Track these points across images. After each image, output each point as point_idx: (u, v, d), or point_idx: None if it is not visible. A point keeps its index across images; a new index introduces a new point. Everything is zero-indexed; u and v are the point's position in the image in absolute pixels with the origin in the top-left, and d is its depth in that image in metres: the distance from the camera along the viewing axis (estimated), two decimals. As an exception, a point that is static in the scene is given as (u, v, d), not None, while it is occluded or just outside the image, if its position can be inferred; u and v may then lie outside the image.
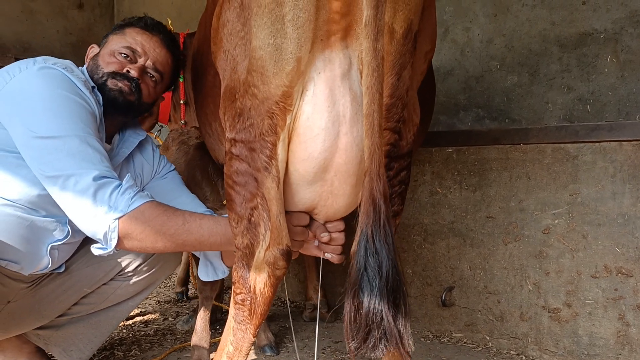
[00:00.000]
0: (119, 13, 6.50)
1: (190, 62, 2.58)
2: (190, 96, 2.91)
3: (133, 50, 1.97)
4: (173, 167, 2.24)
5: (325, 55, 1.34)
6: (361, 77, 1.36)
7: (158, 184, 2.14)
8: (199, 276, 2.14)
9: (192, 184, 2.37)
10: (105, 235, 1.63)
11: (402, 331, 1.18)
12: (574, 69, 3.05)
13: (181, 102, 3.03)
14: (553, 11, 3.12)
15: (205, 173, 2.53)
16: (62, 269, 1.98)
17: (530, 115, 3.23)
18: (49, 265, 1.88)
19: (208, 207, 2.08)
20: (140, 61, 1.98)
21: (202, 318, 2.47)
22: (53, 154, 1.63)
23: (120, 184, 1.66)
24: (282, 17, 1.31)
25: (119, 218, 1.61)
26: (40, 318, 2.07)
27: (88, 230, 1.66)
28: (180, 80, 2.91)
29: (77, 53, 6.02)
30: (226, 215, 2.00)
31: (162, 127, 3.44)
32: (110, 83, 1.92)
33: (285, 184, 1.44)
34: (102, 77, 1.93)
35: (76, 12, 6.27)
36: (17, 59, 6.11)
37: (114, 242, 1.64)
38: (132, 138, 2.09)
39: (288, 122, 1.38)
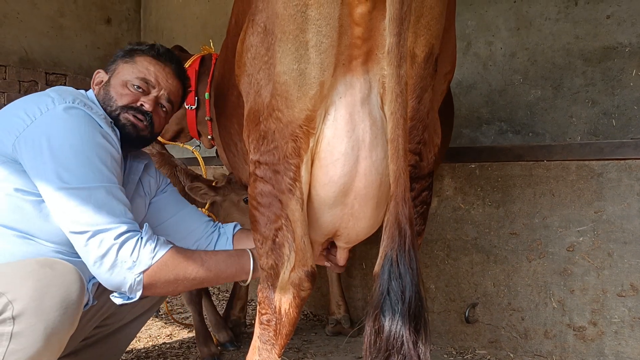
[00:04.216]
0: (146, 28, 6.63)
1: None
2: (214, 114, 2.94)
3: (147, 82, 1.92)
4: (168, 179, 2.25)
5: (346, 79, 1.36)
6: (381, 101, 1.38)
7: (162, 197, 2.16)
8: None
9: None
10: (130, 287, 1.63)
11: (421, 358, 1.19)
12: (599, 83, 3.02)
13: (207, 118, 3.07)
14: (577, 25, 3.10)
15: None
16: (95, 302, 1.94)
17: (554, 129, 3.21)
18: (89, 302, 1.86)
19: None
20: (154, 92, 1.93)
21: (198, 321, 2.83)
22: (79, 206, 1.60)
23: (142, 237, 1.65)
24: (305, 43, 1.33)
25: (143, 271, 1.63)
26: (65, 349, 2.06)
27: (112, 285, 1.66)
28: (206, 97, 2.95)
29: (105, 67, 6.15)
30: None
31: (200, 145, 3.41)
32: (123, 118, 1.88)
33: (307, 208, 1.46)
34: (115, 110, 1.88)
35: (104, 27, 6.42)
36: (47, 74, 6.21)
37: (139, 294, 1.64)
38: (137, 163, 2.09)
39: (311, 145, 1.39)
